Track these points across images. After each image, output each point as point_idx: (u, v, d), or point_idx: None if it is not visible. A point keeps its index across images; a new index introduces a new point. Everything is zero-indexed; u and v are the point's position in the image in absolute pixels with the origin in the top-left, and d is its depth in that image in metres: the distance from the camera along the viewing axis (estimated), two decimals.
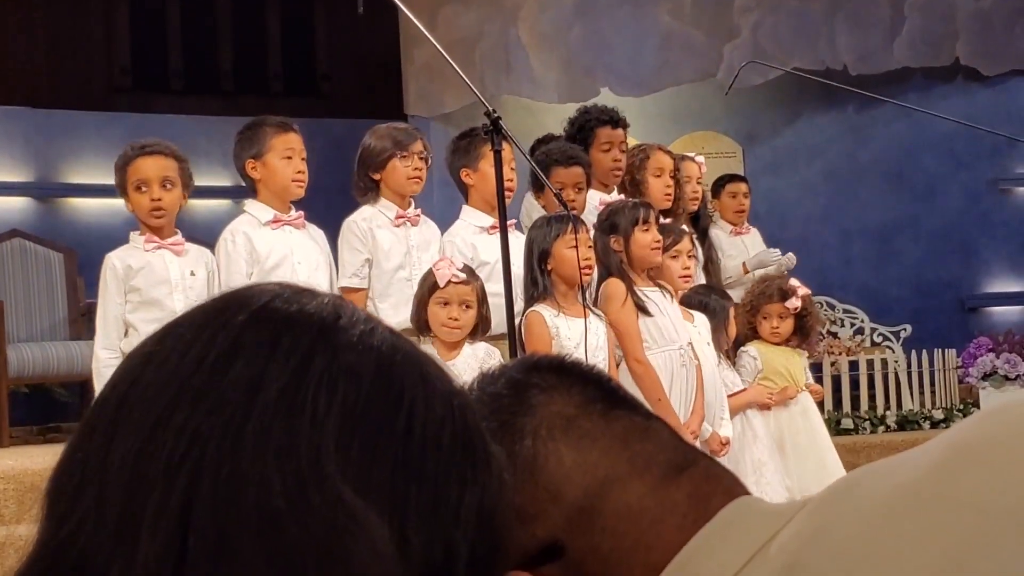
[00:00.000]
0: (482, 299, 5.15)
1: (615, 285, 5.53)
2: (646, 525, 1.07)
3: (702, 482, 1.10)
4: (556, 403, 1.13)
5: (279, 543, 0.84)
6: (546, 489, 1.07)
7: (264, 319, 0.92)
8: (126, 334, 5.22)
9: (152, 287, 5.22)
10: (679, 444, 1.14)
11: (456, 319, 5.10)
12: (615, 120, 6.47)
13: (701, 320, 5.93)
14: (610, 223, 5.61)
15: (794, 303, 6.54)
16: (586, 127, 6.46)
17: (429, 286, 5.16)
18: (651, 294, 5.59)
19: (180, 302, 5.24)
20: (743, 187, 8.37)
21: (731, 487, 1.11)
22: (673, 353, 5.57)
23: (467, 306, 5.12)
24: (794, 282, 6.67)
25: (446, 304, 5.12)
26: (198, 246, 5.46)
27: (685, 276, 5.94)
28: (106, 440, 0.90)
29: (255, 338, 0.90)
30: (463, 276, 5.16)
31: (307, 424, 0.87)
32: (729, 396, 6.01)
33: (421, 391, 0.92)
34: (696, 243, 6.42)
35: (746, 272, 7.93)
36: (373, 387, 0.90)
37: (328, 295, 0.97)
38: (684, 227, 6.27)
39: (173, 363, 0.91)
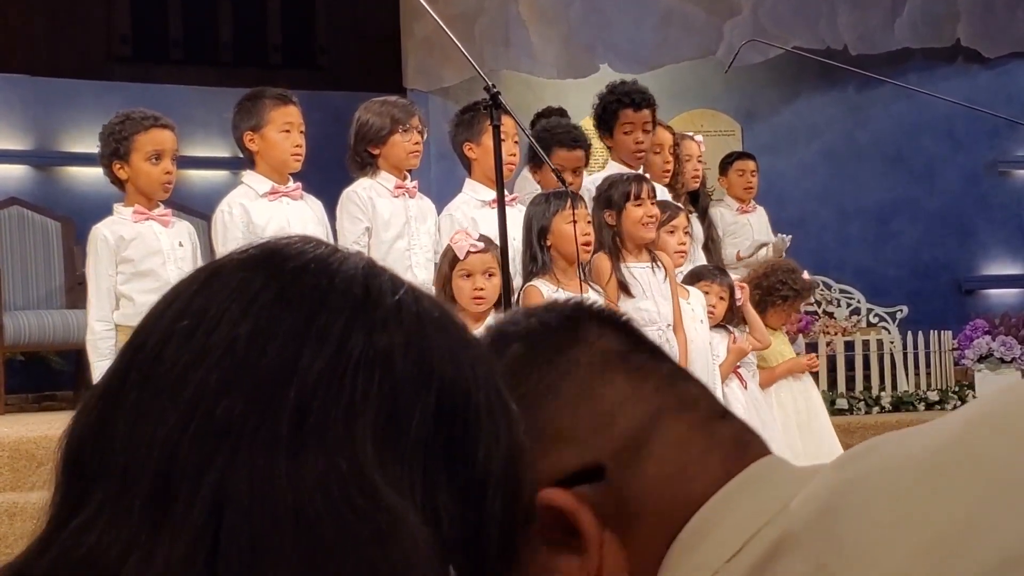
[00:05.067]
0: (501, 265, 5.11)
1: (601, 261, 5.55)
2: (695, 454, 1.09)
3: (742, 430, 1.12)
4: (609, 339, 1.15)
5: (316, 546, 0.82)
6: (599, 414, 1.09)
7: (295, 296, 0.88)
8: (118, 305, 5.22)
9: (145, 258, 5.23)
10: (715, 397, 1.17)
11: (482, 288, 5.07)
12: (637, 102, 6.43)
13: (696, 296, 5.93)
14: (605, 197, 5.63)
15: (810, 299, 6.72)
16: (609, 108, 6.44)
17: (450, 260, 5.14)
18: (638, 271, 5.58)
19: (173, 272, 5.25)
20: (751, 164, 8.36)
21: (764, 445, 1.13)
22: (650, 333, 5.56)
23: (490, 274, 5.08)
24: (805, 275, 6.79)
25: (469, 276, 5.09)
26: (179, 219, 5.48)
27: (680, 251, 5.95)
28: (130, 421, 0.86)
29: (288, 318, 0.87)
30: (481, 245, 5.14)
31: (343, 415, 0.84)
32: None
33: (449, 364, 0.90)
34: (693, 221, 6.44)
35: (739, 259, 7.90)
36: (405, 367, 0.88)
37: (355, 256, 0.94)
38: (679, 204, 6.28)
39: (200, 341, 0.87)
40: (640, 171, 6.30)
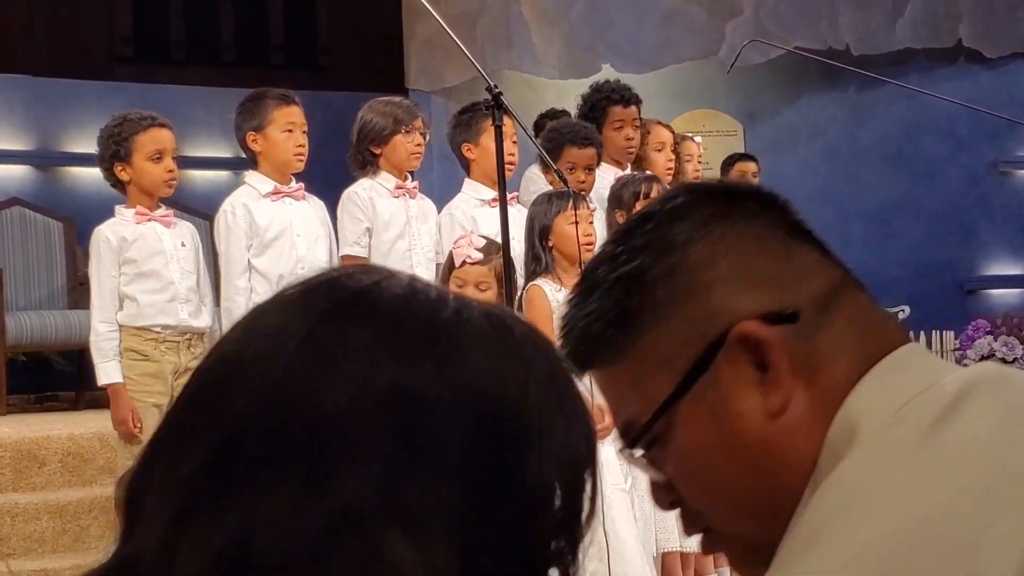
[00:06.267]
0: (502, 278, 4.91)
1: None
2: (877, 318, 1.22)
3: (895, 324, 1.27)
4: (795, 216, 1.28)
5: None
6: (798, 268, 1.22)
7: (323, 336, 0.89)
8: (121, 306, 5.23)
9: (148, 258, 5.24)
10: None
11: None
12: (626, 98, 6.46)
13: None
14: (617, 196, 5.65)
15: None
16: (597, 106, 6.46)
17: (448, 266, 5.11)
18: None
19: (176, 272, 5.26)
20: (752, 166, 8.37)
21: None
22: None
23: (484, 288, 4.96)
24: None
25: (462, 286, 4.98)
26: (181, 219, 5.49)
27: None
28: (167, 460, 0.89)
29: (314, 362, 0.87)
30: (479, 256, 5.02)
31: (356, 455, 0.85)
32: None
33: (493, 383, 0.89)
34: None
35: None
36: (437, 395, 0.87)
37: (397, 282, 0.93)
38: None
39: (231, 386, 0.89)
40: (627, 169, 6.33)
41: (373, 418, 0.85)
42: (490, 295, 4.97)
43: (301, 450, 0.85)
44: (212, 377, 0.90)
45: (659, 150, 6.53)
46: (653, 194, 5.62)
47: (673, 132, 6.76)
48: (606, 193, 6.07)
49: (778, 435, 1.15)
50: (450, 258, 5.15)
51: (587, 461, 0.92)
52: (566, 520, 0.91)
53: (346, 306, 0.90)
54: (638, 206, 5.59)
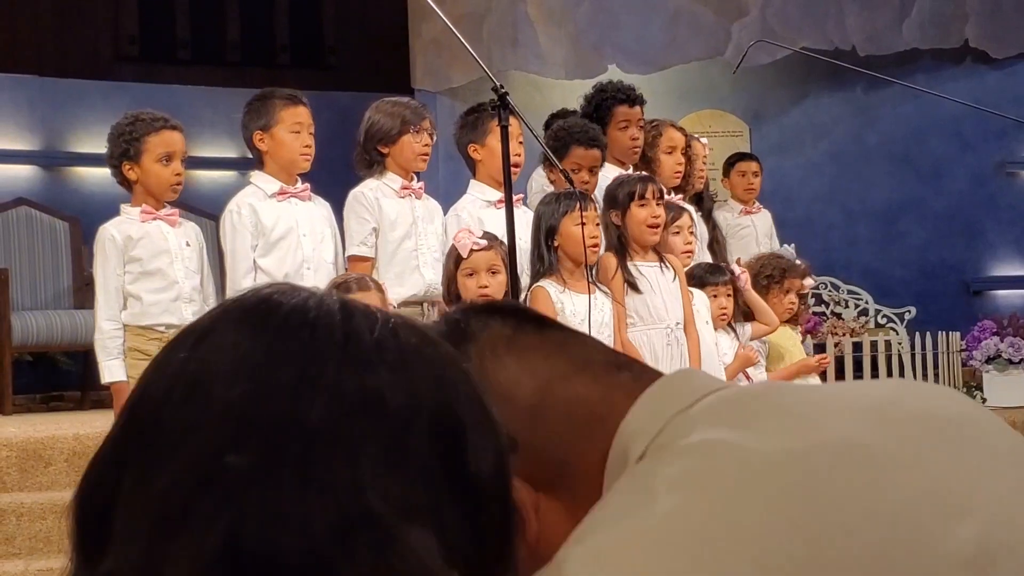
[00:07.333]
0: (507, 262, 4.99)
1: (607, 259, 5.57)
2: (596, 401, 1.22)
3: (642, 372, 1.27)
4: (494, 328, 1.28)
5: None
6: (498, 394, 1.14)
7: (283, 351, 0.92)
8: (126, 305, 5.23)
9: (153, 257, 5.23)
10: (613, 350, 1.33)
11: (486, 286, 5.02)
12: (632, 98, 6.46)
13: (700, 298, 5.92)
14: (611, 196, 5.65)
15: (810, 282, 6.70)
16: (603, 105, 6.45)
17: (454, 259, 5.13)
18: (647, 270, 5.58)
19: (180, 271, 5.26)
20: (753, 166, 8.34)
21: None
22: (659, 332, 5.57)
23: (494, 271, 5.04)
24: (797, 261, 6.81)
25: (473, 274, 5.06)
26: (186, 219, 5.50)
27: (687, 251, 5.97)
28: (134, 480, 0.90)
29: (281, 375, 0.91)
30: (484, 243, 5.09)
31: (346, 458, 0.88)
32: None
33: (435, 389, 0.94)
34: (697, 221, 6.45)
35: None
36: (395, 401, 0.92)
37: (327, 298, 0.97)
38: (684, 204, 6.29)
39: (197, 405, 0.90)
40: (630, 169, 6.32)
41: (350, 423, 0.90)
42: (501, 279, 5.03)
43: (288, 458, 0.88)
44: (172, 394, 0.92)
45: (669, 152, 6.51)
46: (648, 195, 5.60)
47: (686, 135, 6.73)
48: None
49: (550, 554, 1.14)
50: (453, 251, 5.16)
51: (508, 449, 0.98)
52: (502, 513, 0.96)
53: (295, 322, 0.94)
54: (633, 207, 5.57)
